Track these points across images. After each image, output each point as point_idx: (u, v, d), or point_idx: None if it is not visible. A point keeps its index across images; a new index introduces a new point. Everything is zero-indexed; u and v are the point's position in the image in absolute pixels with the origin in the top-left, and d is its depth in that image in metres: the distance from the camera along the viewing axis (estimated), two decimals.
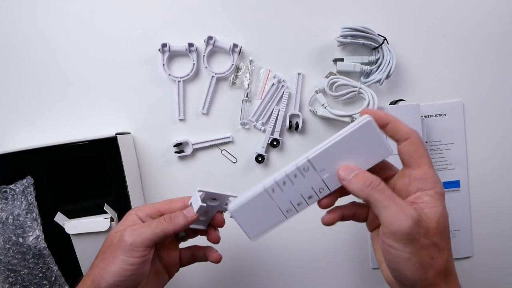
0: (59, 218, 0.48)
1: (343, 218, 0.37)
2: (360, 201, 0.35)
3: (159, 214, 0.38)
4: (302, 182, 0.34)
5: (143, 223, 0.37)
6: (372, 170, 0.34)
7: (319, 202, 0.35)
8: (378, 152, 0.33)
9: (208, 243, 0.41)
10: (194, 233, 0.42)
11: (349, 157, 0.33)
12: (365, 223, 0.38)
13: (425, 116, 0.56)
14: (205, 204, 0.36)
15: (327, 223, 0.36)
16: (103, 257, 0.35)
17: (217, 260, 0.40)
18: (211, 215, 0.40)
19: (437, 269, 0.31)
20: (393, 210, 0.30)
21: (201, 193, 0.36)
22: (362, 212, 0.37)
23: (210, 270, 0.56)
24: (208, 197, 0.37)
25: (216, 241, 0.40)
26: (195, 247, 0.42)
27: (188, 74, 0.54)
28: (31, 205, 0.48)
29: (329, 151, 0.33)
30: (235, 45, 0.54)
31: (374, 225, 0.37)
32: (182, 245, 0.42)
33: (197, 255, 0.41)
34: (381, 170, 0.35)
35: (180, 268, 0.42)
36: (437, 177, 0.33)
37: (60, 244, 0.49)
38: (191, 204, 0.37)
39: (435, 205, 0.31)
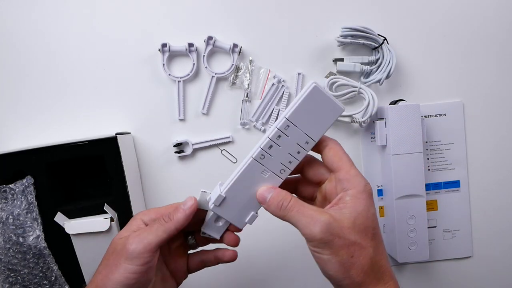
0: (59, 218, 0.48)
1: None
2: None
3: None
4: (287, 140, 0.35)
5: (145, 228, 0.36)
6: (306, 175, 0.37)
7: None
8: (332, 112, 0.35)
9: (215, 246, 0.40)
10: (205, 240, 0.40)
11: (309, 119, 0.35)
12: None
13: (425, 116, 0.56)
14: (224, 196, 0.35)
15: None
16: (106, 264, 0.34)
17: (233, 258, 0.39)
18: (227, 224, 0.38)
19: (360, 267, 0.32)
20: (303, 221, 0.32)
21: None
22: None
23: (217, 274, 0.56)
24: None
25: (235, 243, 0.38)
26: (203, 252, 0.41)
27: (188, 74, 0.54)
28: (31, 205, 0.48)
29: (300, 108, 0.34)
30: (235, 45, 0.54)
31: None
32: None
33: (206, 259, 0.40)
34: (315, 175, 0.37)
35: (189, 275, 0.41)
36: (361, 177, 0.34)
37: (61, 244, 0.49)
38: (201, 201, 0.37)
39: (354, 205, 0.33)
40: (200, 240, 0.40)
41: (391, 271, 0.34)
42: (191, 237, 0.40)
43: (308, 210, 0.33)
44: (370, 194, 0.34)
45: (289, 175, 0.37)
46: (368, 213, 0.33)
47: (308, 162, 0.38)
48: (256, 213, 0.37)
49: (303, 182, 0.39)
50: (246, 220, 0.37)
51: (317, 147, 0.36)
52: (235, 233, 0.38)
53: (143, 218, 0.37)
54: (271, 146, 0.35)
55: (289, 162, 0.35)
